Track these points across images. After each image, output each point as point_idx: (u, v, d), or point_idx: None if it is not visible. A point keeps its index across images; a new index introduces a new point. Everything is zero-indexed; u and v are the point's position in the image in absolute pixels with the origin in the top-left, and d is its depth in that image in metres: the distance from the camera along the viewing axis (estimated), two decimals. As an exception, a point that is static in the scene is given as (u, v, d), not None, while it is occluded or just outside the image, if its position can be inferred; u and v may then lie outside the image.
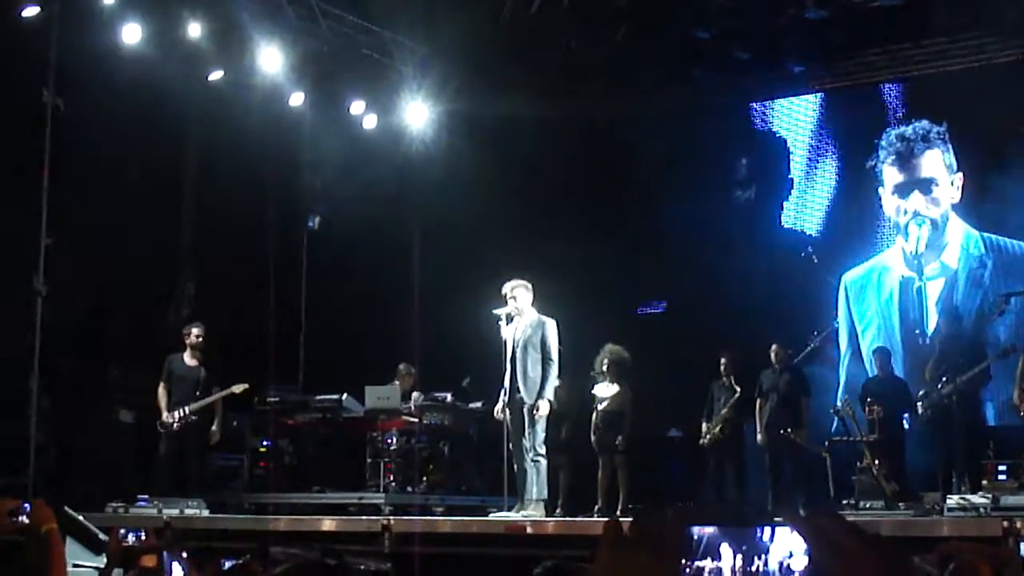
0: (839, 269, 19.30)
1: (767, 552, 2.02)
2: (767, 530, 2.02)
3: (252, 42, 17.18)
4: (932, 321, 18.08)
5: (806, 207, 19.95)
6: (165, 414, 15.59)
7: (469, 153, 18.31)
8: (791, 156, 20.09)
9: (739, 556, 2.02)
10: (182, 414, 15.57)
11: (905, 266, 18.81)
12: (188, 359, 15.86)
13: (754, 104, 20.31)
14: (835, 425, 17.05)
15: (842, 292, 19.34)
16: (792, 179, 20.05)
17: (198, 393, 15.71)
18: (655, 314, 19.01)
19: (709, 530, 1.98)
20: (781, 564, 2.01)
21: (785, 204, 20.00)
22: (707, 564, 1.99)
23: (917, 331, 18.10)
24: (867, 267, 19.32)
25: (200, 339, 15.87)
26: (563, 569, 5.96)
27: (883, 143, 18.97)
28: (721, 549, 2.02)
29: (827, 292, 19.12)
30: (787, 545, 1.97)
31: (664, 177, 19.75)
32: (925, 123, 18.64)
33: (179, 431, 15.59)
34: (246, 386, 15.96)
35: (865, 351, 18.60)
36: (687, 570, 1.98)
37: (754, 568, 2.01)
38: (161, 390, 15.74)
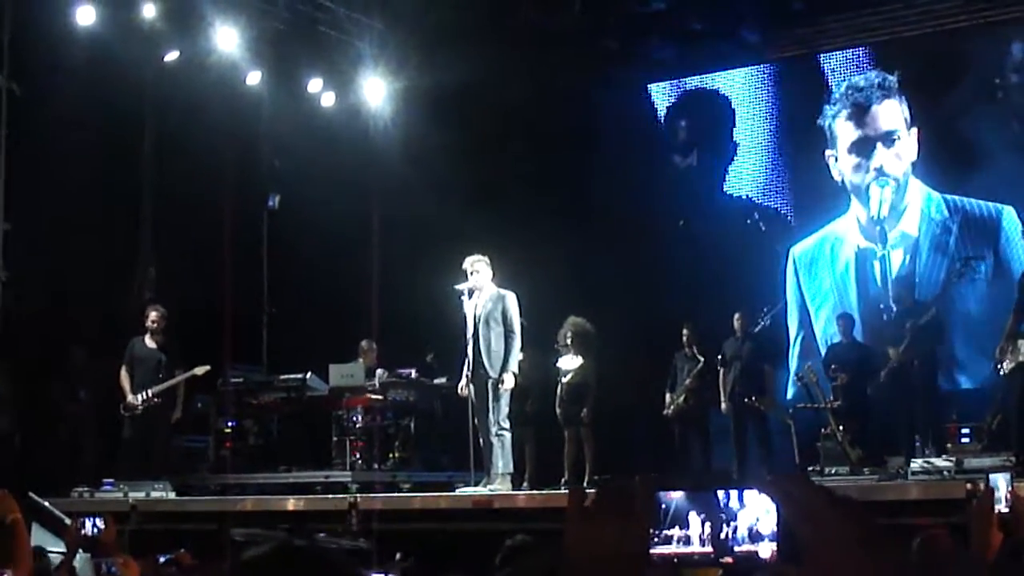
0: (785, 238, 18.71)
1: (735, 519, 2.04)
2: (733, 496, 2.04)
3: (207, 21, 17.09)
4: (883, 292, 17.53)
5: (750, 173, 19.44)
6: (129, 396, 15.57)
7: (428, 128, 18.27)
8: (735, 121, 19.59)
9: (707, 524, 2.04)
10: (145, 396, 15.54)
11: (861, 235, 18.15)
12: (148, 342, 15.84)
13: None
14: (793, 391, 17.09)
15: (791, 267, 18.66)
16: (736, 144, 19.56)
17: (160, 375, 15.69)
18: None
19: (677, 496, 2.00)
20: (751, 530, 2.03)
21: (729, 169, 19.57)
22: (675, 532, 2.01)
23: (882, 305, 17.49)
24: (817, 238, 18.59)
25: (156, 323, 15.84)
26: (530, 546, 5.97)
27: (835, 96, 18.32)
28: (689, 517, 2.04)
29: (776, 261, 18.68)
30: (755, 510, 1.99)
31: (622, 148, 19.75)
32: (877, 73, 18.02)
33: (143, 413, 15.57)
34: (208, 368, 15.94)
35: (819, 332, 18.21)
36: (655, 539, 1.99)
37: (723, 535, 2.03)
38: (123, 373, 15.71)
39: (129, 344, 15.88)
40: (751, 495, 2.09)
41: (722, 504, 2.17)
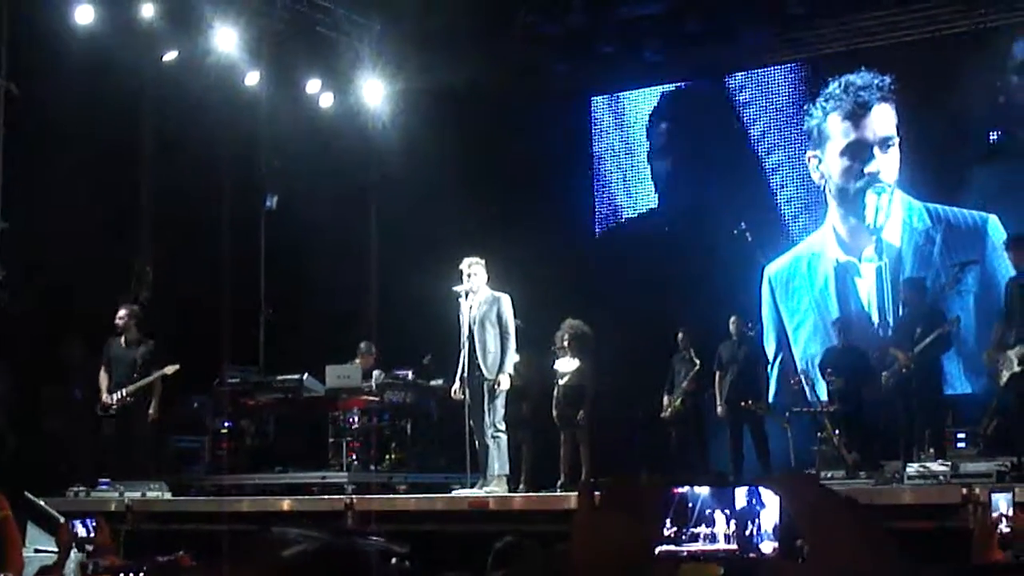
0: (768, 249, 18.00)
1: (759, 516, 2.07)
2: (755, 494, 2.08)
3: (206, 22, 17.11)
4: (880, 306, 17.31)
5: (730, 182, 18.66)
6: (104, 396, 15.50)
7: (426, 129, 18.28)
8: (719, 127, 19.08)
9: (733, 522, 2.07)
10: (119, 396, 15.47)
11: (840, 248, 17.77)
12: (123, 341, 15.74)
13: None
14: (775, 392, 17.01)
15: (766, 288, 18.24)
16: (723, 150, 19.01)
17: (135, 375, 15.57)
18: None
19: (704, 494, 2.02)
20: (775, 527, 2.07)
21: (712, 177, 18.92)
22: (702, 530, 2.04)
23: (877, 321, 17.29)
24: (792, 256, 18.17)
25: (123, 319, 15.71)
26: (519, 546, 5.98)
27: (829, 92, 17.82)
28: (715, 515, 2.07)
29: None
30: (776, 509, 2.03)
31: (619, 152, 19.77)
32: (872, 73, 17.51)
33: (119, 413, 15.49)
34: (177, 367, 15.74)
35: (799, 353, 17.95)
36: (683, 536, 2.02)
37: (748, 533, 2.06)
38: (102, 373, 15.63)
39: (106, 344, 15.82)
40: (770, 494, 2.12)
41: (746, 503, 2.19)
